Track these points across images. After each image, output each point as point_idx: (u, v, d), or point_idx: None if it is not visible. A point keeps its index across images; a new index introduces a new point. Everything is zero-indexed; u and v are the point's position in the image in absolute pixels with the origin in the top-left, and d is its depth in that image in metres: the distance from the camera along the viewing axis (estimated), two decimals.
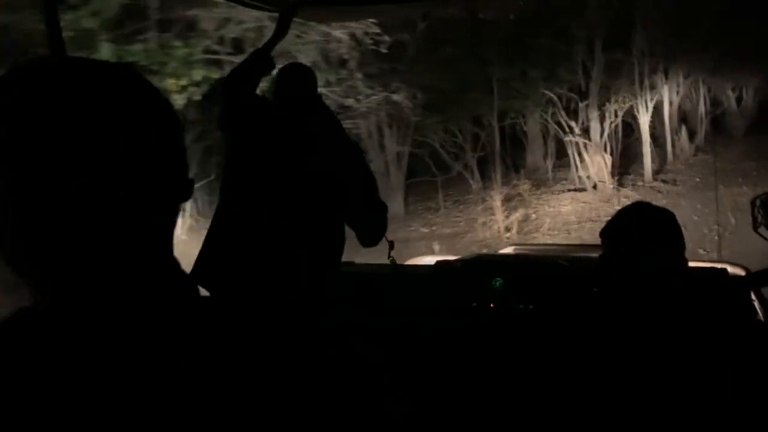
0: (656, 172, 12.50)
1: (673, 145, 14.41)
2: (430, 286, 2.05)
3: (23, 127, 0.45)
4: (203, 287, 1.70)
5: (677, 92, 16.64)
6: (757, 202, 1.74)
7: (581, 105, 10.40)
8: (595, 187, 10.37)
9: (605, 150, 10.47)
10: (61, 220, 0.46)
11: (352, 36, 7.25)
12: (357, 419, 0.52)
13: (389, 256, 2.08)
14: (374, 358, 0.57)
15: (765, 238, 1.71)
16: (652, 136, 16.01)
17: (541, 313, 1.86)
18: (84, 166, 0.46)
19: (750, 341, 1.35)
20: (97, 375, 0.47)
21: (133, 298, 0.50)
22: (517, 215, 8.73)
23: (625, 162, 13.64)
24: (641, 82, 11.53)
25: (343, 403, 0.52)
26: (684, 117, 16.98)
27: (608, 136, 10.88)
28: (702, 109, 16.51)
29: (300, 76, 1.83)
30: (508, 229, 8.30)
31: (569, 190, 10.81)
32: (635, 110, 11.71)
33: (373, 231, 1.88)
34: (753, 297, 1.93)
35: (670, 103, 15.70)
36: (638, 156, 12.36)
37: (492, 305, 1.95)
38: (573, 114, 10.75)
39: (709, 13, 11.37)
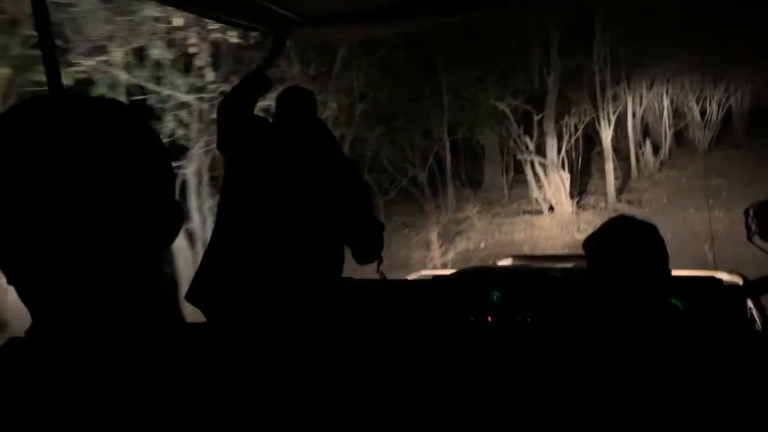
0: (620, 191, 11.53)
1: (637, 160, 13.57)
2: (428, 301, 2.04)
3: (23, 161, 0.48)
4: (199, 306, 1.80)
5: (640, 104, 15.89)
6: (751, 212, 1.73)
7: (537, 118, 9.28)
8: (552, 209, 9.26)
9: (563, 168, 9.36)
10: (57, 243, 0.48)
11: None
12: (357, 420, 0.54)
13: (378, 270, 2.09)
14: (374, 360, 0.59)
15: (760, 248, 1.69)
16: (615, 150, 15.23)
17: (538, 326, 1.86)
18: (79, 192, 0.48)
19: (746, 349, 1.37)
20: (85, 396, 0.48)
21: (120, 319, 0.51)
22: (464, 245, 7.52)
23: (587, 180, 12.70)
24: (603, 93, 10.53)
25: (343, 405, 0.54)
26: (647, 130, 16.29)
27: (566, 152, 9.78)
28: (666, 121, 15.82)
29: (300, 99, 1.87)
30: (444, 266, 7.09)
31: (525, 213, 9.68)
32: (597, 123, 10.68)
33: (369, 249, 1.88)
34: (751, 305, 1.94)
35: (633, 115, 14.89)
36: (600, 173, 11.35)
37: (490, 319, 1.95)
38: (530, 127, 9.65)
39: (673, 18, 10.46)
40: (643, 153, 13.92)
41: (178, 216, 0.56)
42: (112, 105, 0.54)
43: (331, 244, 1.78)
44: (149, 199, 0.52)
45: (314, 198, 1.73)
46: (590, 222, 8.43)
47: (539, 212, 9.33)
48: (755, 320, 1.87)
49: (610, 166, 10.44)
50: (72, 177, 0.47)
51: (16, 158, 0.48)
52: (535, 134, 9.39)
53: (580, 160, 12.02)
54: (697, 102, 16.47)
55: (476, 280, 2.18)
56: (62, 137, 0.48)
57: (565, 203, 8.86)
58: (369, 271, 2.21)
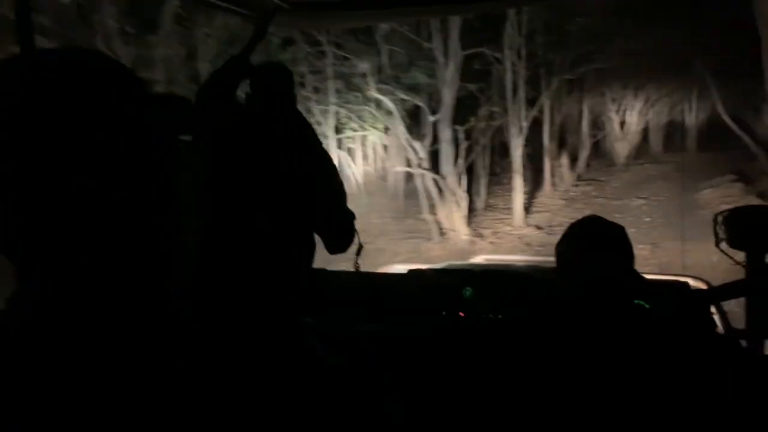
0: (529, 209, 9.94)
1: (552, 173, 12.15)
2: (403, 294, 2.06)
3: (13, 124, 0.47)
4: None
5: (559, 110, 14.58)
6: (719, 219, 1.71)
7: (432, 119, 7.35)
8: (443, 234, 7.36)
9: (459, 184, 7.47)
10: (52, 214, 0.47)
11: None
12: (354, 418, 0.56)
13: (356, 262, 2.03)
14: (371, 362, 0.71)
15: (727, 255, 1.70)
16: (528, 159, 13.83)
17: (508, 322, 1.90)
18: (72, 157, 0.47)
19: (708, 350, 1.39)
20: (82, 377, 0.47)
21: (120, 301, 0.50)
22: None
23: (493, 195, 11.14)
24: (515, 94, 8.82)
25: (338, 404, 0.56)
26: (564, 139, 15.05)
27: (469, 162, 7.92)
28: (584, 131, 14.62)
29: (276, 82, 1.79)
30: None
31: (412, 236, 7.74)
32: (506, 131, 8.97)
33: (341, 238, 1.80)
34: (713, 310, 1.99)
35: (552, 123, 13.49)
36: (510, 187, 9.65)
37: (461, 314, 1.98)
38: (423, 130, 7.73)
39: (597, 15, 8.94)
40: (558, 165, 12.49)
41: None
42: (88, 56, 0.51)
43: (303, 234, 1.71)
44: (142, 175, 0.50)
45: (286, 187, 1.66)
46: (486, 251, 6.60)
47: (429, 237, 7.40)
48: (717, 324, 1.92)
49: (518, 182, 8.72)
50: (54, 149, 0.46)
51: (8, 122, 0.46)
52: (428, 139, 7.43)
53: (486, 171, 10.33)
54: (617, 112, 15.35)
55: (450, 276, 2.17)
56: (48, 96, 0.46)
57: (459, 227, 7.02)
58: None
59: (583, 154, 14.12)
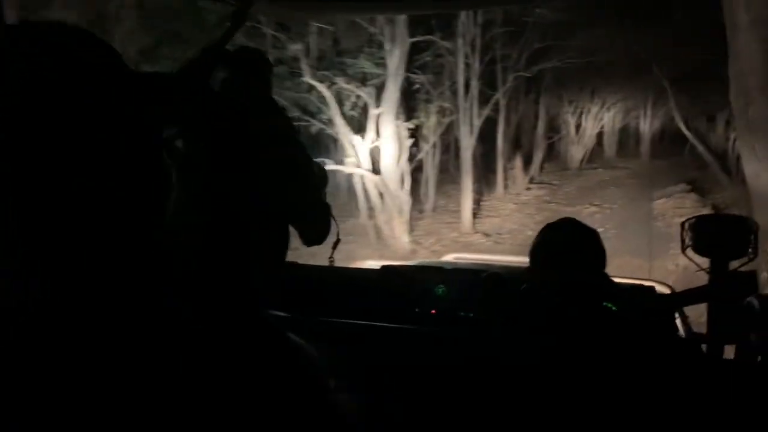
0: (477, 212, 9.37)
1: (505, 177, 11.67)
2: (376, 290, 2.07)
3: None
4: None
5: (516, 109, 14.14)
6: (686, 225, 1.73)
7: (375, 112, 6.62)
8: (382, 240, 6.65)
9: (402, 185, 6.77)
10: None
11: None
12: (310, 416, 0.55)
13: (331, 256, 2.02)
14: (322, 358, 0.62)
15: (692, 261, 1.73)
16: (483, 158, 13.33)
17: (479, 321, 1.93)
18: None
19: (671, 351, 1.45)
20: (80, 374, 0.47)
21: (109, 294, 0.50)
22: None
23: (446, 195, 10.55)
24: (467, 90, 8.20)
25: (295, 400, 0.54)
26: (519, 140, 14.64)
27: (413, 162, 7.24)
28: (540, 133, 14.23)
29: (253, 69, 1.75)
30: None
31: (350, 242, 7.02)
32: (456, 129, 8.34)
33: (317, 229, 1.76)
34: (676, 314, 2.00)
35: (508, 122, 13.01)
36: (459, 191, 9.03)
37: (434, 311, 1.99)
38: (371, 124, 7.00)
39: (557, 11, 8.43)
40: (512, 167, 12.00)
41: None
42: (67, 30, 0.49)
43: (276, 225, 1.66)
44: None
45: (259, 176, 1.60)
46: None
47: (366, 244, 6.68)
48: (678, 328, 1.95)
49: (468, 185, 8.10)
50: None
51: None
52: (370, 135, 6.69)
53: (436, 171, 9.70)
54: (573, 115, 15.02)
55: (423, 273, 2.18)
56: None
57: (399, 234, 6.33)
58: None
59: (538, 157, 13.71)
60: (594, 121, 15.58)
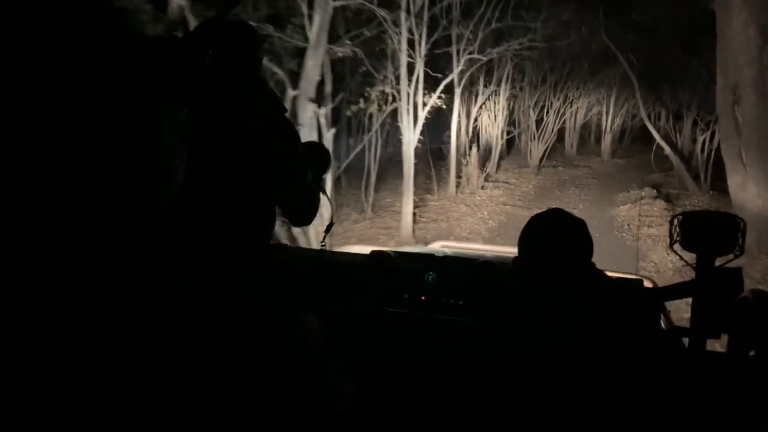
0: (423, 215, 8.22)
1: (458, 173, 10.56)
2: (364, 275, 2.03)
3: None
4: None
5: (475, 100, 13.04)
6: (675, 221, 1.78)
7: (291, 93, 5.31)
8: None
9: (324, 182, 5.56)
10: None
11: None
12: (304, 403, 0.53)
13: (323, 240, 2.02)
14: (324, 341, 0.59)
15: (679, 256, 1.79)
16: (439, 151, 12.22)
17: (468, 308, 1.92)
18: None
19: (655, 344, 1.48)
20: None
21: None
22: None
23: (395, 192, 9.38)
24: (411, 73, 6.97)
25: (287, 387, 0.52)
26: (478, 134, 13.58)
27: (348, 156, 5.98)
28: (499, 126, 13.19)
29: (243, 45, 1.67)
30: None
31: None
32: (399, 117, 7.13)
33: (303, 210, 1.72)
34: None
35: (468, 115, 11.90)
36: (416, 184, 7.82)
37: (423, 298, 1.98)
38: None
39: None
40: (466, 163, 10.88)
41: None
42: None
43: (261, 205, 1.63)
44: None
45: (246, 154, 1.58)
46: None
47: None
48: (661, 322, 1.99)
49: (408, 187, 6.90)
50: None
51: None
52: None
53: (377, 166, 8.49)
54: (534, 109, 14.03)
55: (413, 260, 2.18)
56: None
57: (312, 241, 5.13)
58: None
59: (495, 153, 12.66)
60: (555, 115, 14.64)
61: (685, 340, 1.67)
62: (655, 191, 10.04)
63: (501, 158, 13.82)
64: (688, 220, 1.73)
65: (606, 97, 16.26)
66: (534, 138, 13.85)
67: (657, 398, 1.26)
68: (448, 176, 10.11)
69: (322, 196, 1.74)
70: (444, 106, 7.23)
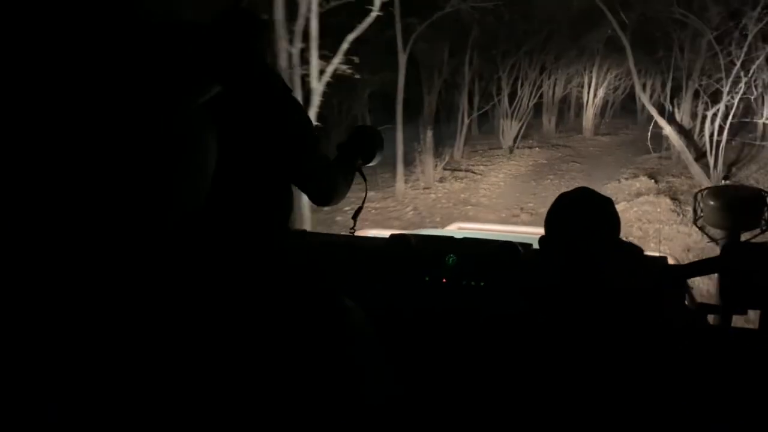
0: (362, 225, 6.20)
1: (412, 164, 8.49)
2: (385, 258, 2.04)
3: None
4: None
5: (438, 74, 10.96)
6: (699, 197, 1.77)
7: None
8: None
9: None
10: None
11: None
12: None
13: (352, 226, 1.97)
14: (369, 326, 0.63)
15: (704, 232, 1.79)
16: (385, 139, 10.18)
17: (490, 290, 1.93)
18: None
19: (683, 320, 1.49)
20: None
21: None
22: None
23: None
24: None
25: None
26: (437, 113, 11.52)
27: None
28: (464, 102, 11.17)
29: (247, 32, 1.63)
30: None
31: None
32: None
33: (321, 188, 1.68)
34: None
35: (441, 92, 9.80)
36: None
37: (444, 280, 1.97)
38: None
39: None
40: (419, 150, 8.83)
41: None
42: None
43: (278, 187, 1.59)
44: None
45: (259, 137, 1.54)
46: None
47: None
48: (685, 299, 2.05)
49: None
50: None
51: None
52: None
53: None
54: (508, 81, 12.00)
55: (432, 242, 2.19)
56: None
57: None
58: None
59: (460, 135, 10.63)
60: (532, 87, 12.65)
61: (710, 318, 1.66)
62: (652, 181, 8.14)
63: (469, 139, 11.82)
64: (712, 195, 1.74)
65: (588, 67, 14.36)
66: (507, 115, 11.84)
67: (685, 375, 1.27)
68: (395, 169, 8.04)
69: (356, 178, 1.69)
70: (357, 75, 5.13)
